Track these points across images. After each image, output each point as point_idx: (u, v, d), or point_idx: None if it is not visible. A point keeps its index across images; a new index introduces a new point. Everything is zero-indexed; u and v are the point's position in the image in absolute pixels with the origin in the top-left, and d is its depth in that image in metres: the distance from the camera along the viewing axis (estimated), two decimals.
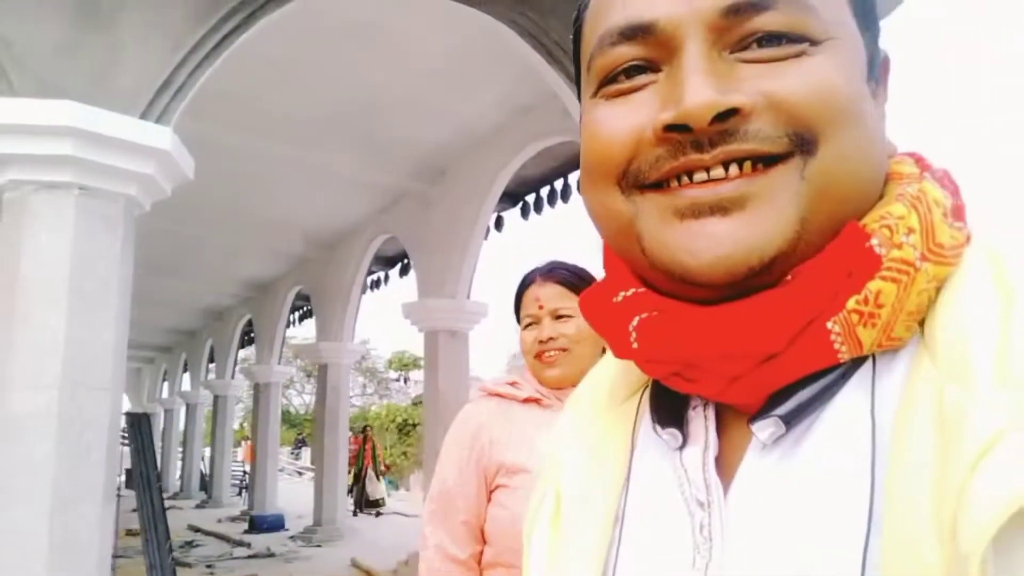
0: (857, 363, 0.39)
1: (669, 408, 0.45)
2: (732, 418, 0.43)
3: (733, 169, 0.38)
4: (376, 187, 6.84)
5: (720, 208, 0.38)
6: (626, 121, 0.41)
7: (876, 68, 0.44)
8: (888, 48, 0.46)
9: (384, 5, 3.97)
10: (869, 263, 0.38)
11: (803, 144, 0.38)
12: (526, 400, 1.43)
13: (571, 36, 0.49)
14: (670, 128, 0.39)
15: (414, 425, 25.37)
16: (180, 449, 16.34)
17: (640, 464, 0.48)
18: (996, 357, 0.33)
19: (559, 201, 6.44)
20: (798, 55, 0.39)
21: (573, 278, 1.46)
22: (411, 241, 6.94)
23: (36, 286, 2.52)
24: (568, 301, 1.43)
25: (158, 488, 5.05)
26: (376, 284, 9.29)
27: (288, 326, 10.92)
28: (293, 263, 9.50)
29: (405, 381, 26.90)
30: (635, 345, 0.43)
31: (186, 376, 16.02)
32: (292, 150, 5.87)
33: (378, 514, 12.76)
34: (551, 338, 1.41)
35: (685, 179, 0.39)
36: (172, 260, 9.03)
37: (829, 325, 0.38)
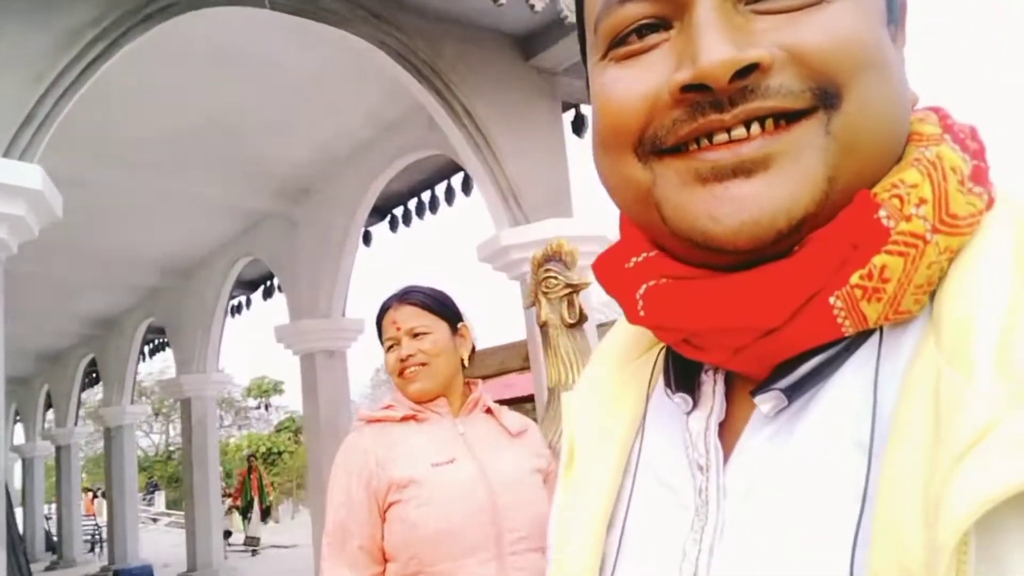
0: (864, 336, 0.38)
1: (682, 372, 0.45)
2: (742, 386, 0.42)
3: (755, 128, 0.37)
4: (237, 210, 6.62)
5: (743, 170, 0.37)
6: (639, 84, 0.39)
7: (895, 10, 0.41)
8: None
9: (246, 29, 3.93)
10: (876, 236, 0.36)
11: (827, 98, 0.36)
12: (403, 419, 1.56)
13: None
14: (687, 88, 0.37)
15: (279, 453, 24.32)
16: (19, 508, 14.71)
17: (653, 421, 0.48)
18: (998, 345, 0.31)
19: (427, 213, 6.56)
20: (816, 3, 0.37)
21: (426, 299, 1.61)
22: (277, 263, 6.78)
23: None
24: (423, 319, 1.58)
25: (23, 552, 4.61)
26: (237, 309, 8.94)
27: (139, 362, 10.20)
28: (143, 295, 8.92)
29: (266, 408, 25.73)
30: (642, 313, 0.42)
31: (18, 428, 14.44)
32: (145, 177, 5.57)
33: (254, 552, 12.18)
34: (410, 355, 1.55)
35: (705, 141, 0.38)
36: None
37: (832, 300, 0.37)
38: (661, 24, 0.39)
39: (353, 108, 5.15)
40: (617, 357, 0.54)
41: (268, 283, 8.45)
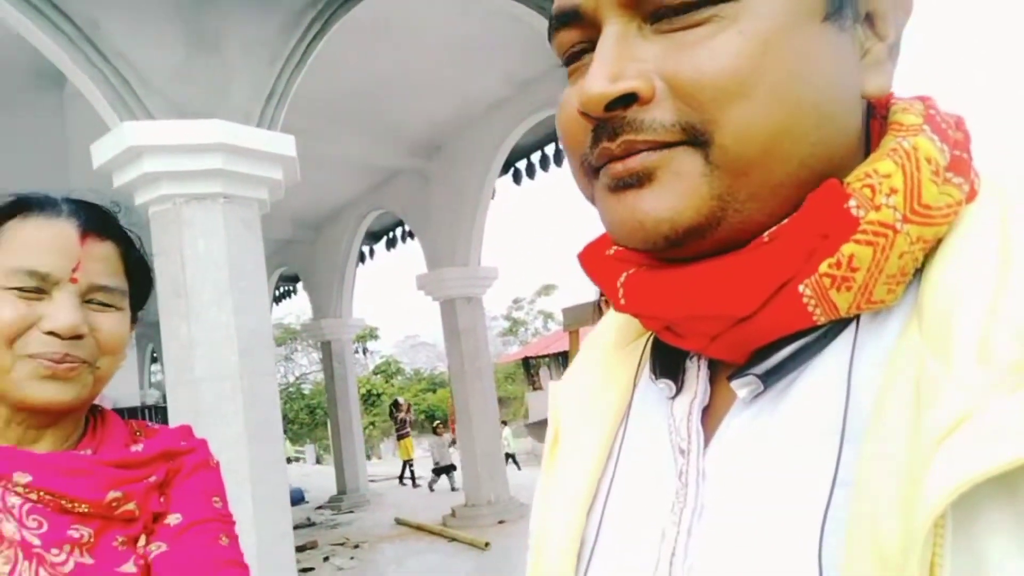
0: (842, 325, 0.39)
1: (667, 358, 0.46)
2: (725, 373, 0.43)
3: (634, 162, 0.38)
4: (371, 167, 7.08)
5: (634, 182, 0.39)
6: (570, 106, 0.42)
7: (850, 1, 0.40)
8: None
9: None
10: (845, 225, 0.37)
11: (695, 135, 0.37)
12: None
13: None
14: (582, 114, 0.40)
15: (377, 395, 25.65)
16: None
17: (639, 406, 0.49)
18: (980, 334, 0.32)
19: (551, 165, 6.85)
20: (709, 19, 0.37)
21: None
22: (412, 216, 7.25)
23: (204, 287, 2.82)
24: None
25: None
26: (361, 258, 9.54)
27: (271, 309, 11.04)
28: (277, 247, 9.62)
29: (364, 352, 27.03)
30: (623, 301, 0.44)
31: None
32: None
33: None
34: None
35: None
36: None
37: (801, 288, 0.38)
38: (592, 45, 0.41)
39: (494, 68, 5.44)
40: (606, 344, 0.55)
41: (391, 234, 8.99)
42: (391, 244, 9.09)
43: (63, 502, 0.77)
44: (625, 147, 0.38)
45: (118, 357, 0.85)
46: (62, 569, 0.74)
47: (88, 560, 0.75)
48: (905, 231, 0.37)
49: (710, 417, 0.43)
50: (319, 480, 12.36)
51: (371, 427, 23.55)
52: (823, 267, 0.37)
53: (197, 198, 2.87)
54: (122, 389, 4.99)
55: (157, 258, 2.90)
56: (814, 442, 0.37)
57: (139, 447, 0.86)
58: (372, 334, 27.71)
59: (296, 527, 8.04)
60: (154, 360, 15.27)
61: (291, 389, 26.08)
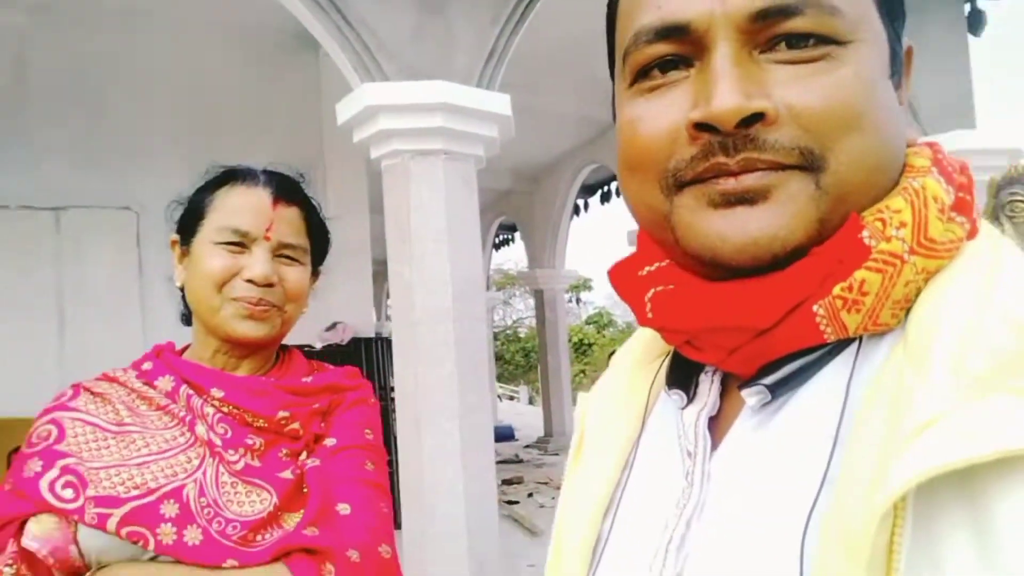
0: (844, 344, 0.42)
1: (682, 371, 0.49)
2: (734, 384, 0.46)
3: (747, 179, 0.41)
4: (586, 121, 7.10)
5: (748, 199, 0.41)
6: (663, 119, 0.43)
7: (899, 63, 0.45)
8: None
9: None
10: (858, 253, 0.40)
11: (812, 159, 0.40)
12: None
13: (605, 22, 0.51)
14: (699, 127, 0.41)
15: (589, 344, 26.16)
16: None
17: (654, 418, 0.53)
18: (955, 351, 0.35)
19: None
20: (823, 57, 0.40)
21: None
22: None
23: (424, 235, 3.07)
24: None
25: None
26: (576, 211, 9.68)
27: (491, 255, 11.66)
28: (496, 196, 10.09)
29: (578, 302, 27.61)
30: (650, 315, 0.47)
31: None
32: (513, 95, 6.24)
33: None
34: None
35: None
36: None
37: (815, 308, 0.41)
38: (682, 61, 0.43)
39: None
40: (631, 360, 0.58)
41: (606, 188, 9.00)
42: (605, 198, 9.12)
43: (246, 416, 0.94)
44: (744, 164, 0.40)
45: (300, 304, 1.00)
46: (234, 467, 0.90)
47: (256, 463, 0.92)
48: (912, 261, 0.40)
49: (719, 425, 0.47)
50: (529, 419, 13.02)
51: (581, 375, 24.15)
52: (836, 290, 0.40)
53: (421, 154, 3.10)
54: (361, 320, 5.59)
55: (387, 207, 3.21)
56: (809, 447, 0.40)
57: (310, 379, 1.03)
58: (586, 285, 28.12)
59: (504, 461, 8.68)
60: (388, 296, 16.92)
61: (508, 332, 27.42)
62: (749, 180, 0.41)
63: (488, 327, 11.83)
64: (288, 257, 0.98)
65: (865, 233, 0.40)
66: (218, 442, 0.91)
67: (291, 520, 0.89)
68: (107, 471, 0.86)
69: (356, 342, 5.35)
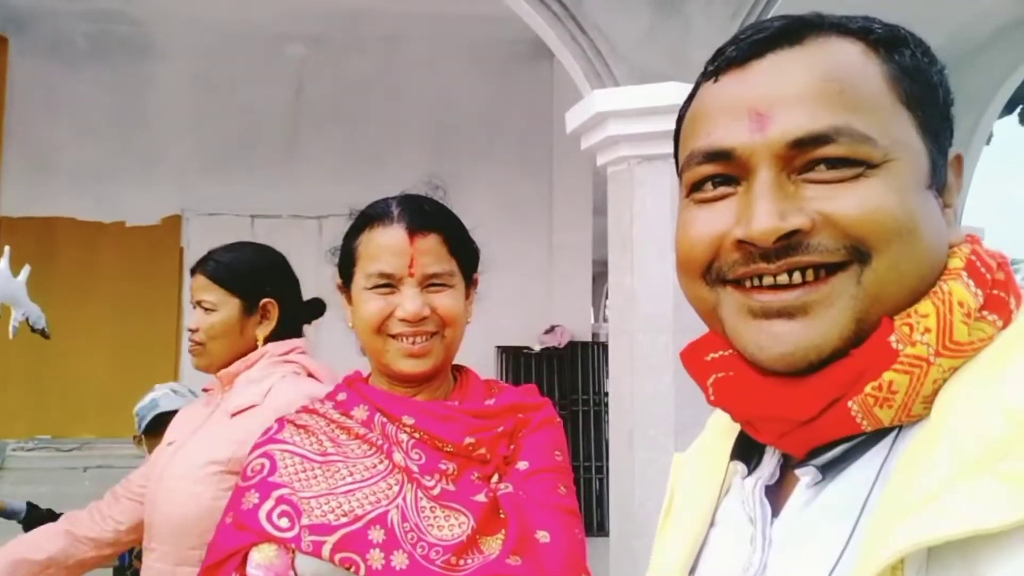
0: (887, 429, 0.46)
1: (749, 443, 0.55)
2: (793, 460, 0.51)
3: (796, 276, 0.46)
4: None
5: (786, 313, 0.46)
6: (709, 227, 0.50)
7: (941, 173, 0.49)
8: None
9: None
10: (886, 356, 0.44)
11: (860, 255, 0.45)
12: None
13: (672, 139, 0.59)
14: (742, 242, 0.47)
15: None
16: None
17: (734, 483, 0.57)
18: (957, 438, 0.40)
19: None
20: (856, 177, 0.45)
21: (218, 268, 1.52)
22: None
23: (647, 243, 2.99)
24: (211, 293, 1.53)
25: None
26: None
27: None
28: None
29: None
30: (712, 397, 0.53)
31: None
32: None
33: None
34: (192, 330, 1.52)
35: (757, 280, 0.48)
36: None
37: (850, 404, 0.45)
38: (732, 178, 0.49)
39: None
40: (721, 429, 0.62)
41: None
42: None
43: (436, 442, 0.95)
44: (787, 266, 0.46)
45: (459, 324, 1.03)
46: (432, 492, 0.92)
47: (451, 487, 0.93)
48: (938, 363, 0.44)
49: (782, 494, 0.52)
50: None
51: None
52: (868, 388, 0.45)
53: (648, 159, 3.02)
54: (579, 324, 5.64)
55: (611, 214, 3.17)
56: (841, 520, 0.45)
57: (492, 401, 1.03)
58: None
59: None
60: (606, 296, 17.01)
61: None
62: (790, 297, 0.46)
63: None
64: (436, 285, 1.00)
65: (893, 337, 0.44)
66: (415, 468, 0.93)
67: (489, 544, 0.89)
68: (317, 500, 0.91)
69: (573, 345, 5.40)
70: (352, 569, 0.86)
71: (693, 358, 0.55)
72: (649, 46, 3.09)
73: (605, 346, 5.95)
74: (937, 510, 0.37)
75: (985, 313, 0.45)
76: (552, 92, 5.59)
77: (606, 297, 17.37)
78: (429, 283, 1.00)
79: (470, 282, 1.09)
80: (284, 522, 0.89)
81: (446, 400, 1.03)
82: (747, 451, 0.55)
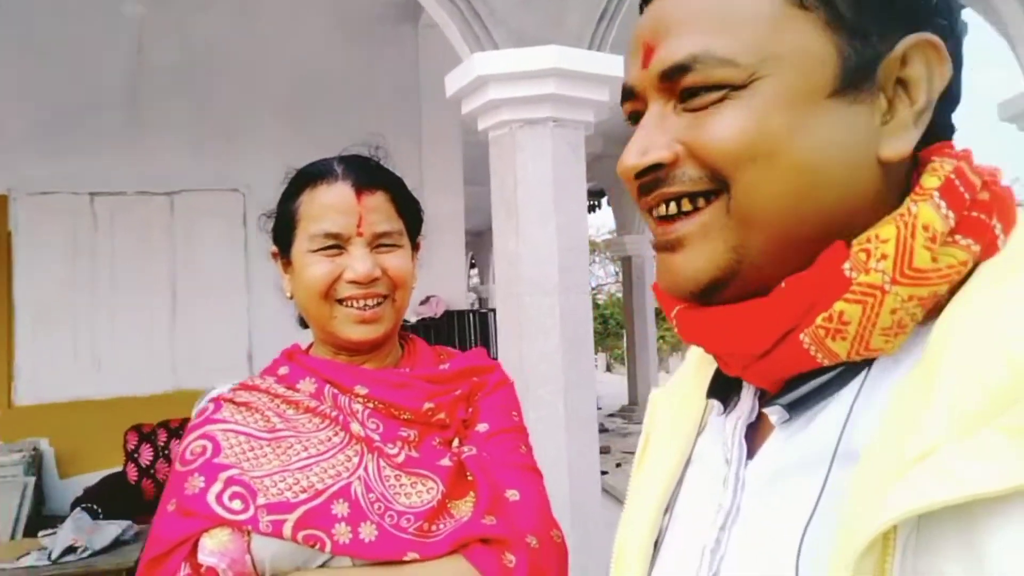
0: (861, 366, 0.44)
1: (726, 381, 0.53)
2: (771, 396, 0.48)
3: (672, 207, 0.46)
4: None
5: (670, 246, 0.47)
6: (624, 161, 0.49)
7: (869, 71, 0.43)
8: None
9: None
10: (838, 285, 0.42)
11: (721, 182, 0.44)
12: None
13: None
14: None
15: None
16: None
17: (711, 421, 0.56)
18: (954, 384, 0.36)
19: None
20: (721, 100, 0.44)
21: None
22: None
23: (530, 208, 3.03)
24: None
25: None
26: None
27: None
28: (587, 161, 9.92)
29: None
30: (676, 329, 0.51)
31: (473, 272, 17.69)
32: None
33: None
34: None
35: (656, 212, 0.49)
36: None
37: (802, 336, 0.43)
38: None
39: None
40: (697, 360, 0.61)
41: None
42: None
43: (392, 410, 0.93)
44: (660, 197, 0.47)
45: (408, 286, 0.98)
46: (396, 459, 0.89)
47: (415, 454, 0.91)
48: (894, 291, 0.41)
49: (760, 435, 0.49)
50: (609, 388, 12.96)
51: (661, 340, 23.84)
52: (818, 320, 0.43)
53: (530, 123, 3.04)
54: (455, 294, 5.64)
55: (493, 179, 3.18)
56: (813, 466, 0.43)
57: (446, 365, 1.02)
58: None
59: None
60: (472, 266, 17.08)
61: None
62: (671, 231, 0.47)
63: None
64: (385, 245, 0.95)
65: (847, 265, 0.42)
66: (375, 437, 0.90)
67: (459, 508, 0.88)
68: (271, 478, 0.85)
69: (449, 315, 5.41)
70: (317, 546, 0.82)
71: (660, 290, 0.54)
72: (527, 9, 3.10)
73: (482, 315, 6.01)
74: (935, 470, 0.33)
75: (958, 237, 0.41)
76: (418, 58, 5.47)
77: (471, 267, 17.46)
78: (378, 243, 0.95)
79: (416, 246, 1.05)
80: (237, 504, 0.83)
81: (396, 368, 1.00)
82: (724, 388, 0.53)
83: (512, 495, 0.90)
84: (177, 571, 0.82)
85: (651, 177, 0.46)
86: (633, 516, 0.58)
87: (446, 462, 0.91)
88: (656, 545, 0.55)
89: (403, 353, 1.04)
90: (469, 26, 3.04)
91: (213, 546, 0.83)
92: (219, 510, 0.84)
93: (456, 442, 0.95)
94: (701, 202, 0.46)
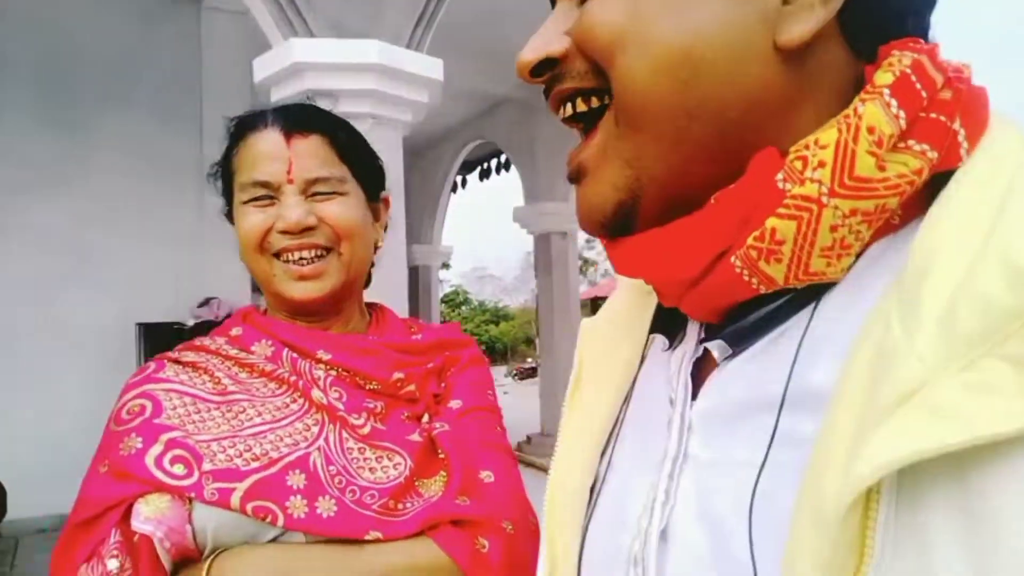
0: (811, 295, 0.38)
1: (669, 313, 0.47)
2: (717, 330, 0.43)
3: (568, 107, 0.43)
4: (476, 94, 7.03)
5: (576, 178, 0.43)
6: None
7: None
8: None
9: None
10: (771, 198, 0.37)
11: (603, 77, 0.40)
12: None
13: None
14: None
15: (442, 323, 26.23)
16: None
17: (651, 355, 0.51)
18: (945, 303, 0.30)
19: None
20: None
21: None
22: (513, 146, 7.23)
23: None
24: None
25: None
26: (453, 188, 9.61)
27: None
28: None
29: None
30: (608, 262, 0.48)
31: None
32: None
33: None
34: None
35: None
36: None
37: (733, 259, 0.38)
38: None
39: None
40: (634, 290, 0.55)
41: (485, 165, 9.01)
42: (485, 175, 9.12)
43: (357, 379, 0.86)
44: (557, 95, 0.43)
45: (359, 239, 0.87)
46: (361, 431, 0.82)
47: (381, 427, 0.85)
48: (833, 205, 0.36)
49: (705, 372, 0.44)
50: (517, 411, 12.47)
51: None
52: (750, 239, 0.37)
53: (349, 117, 2.93)
54: (241, 296, 5.27)
55: None
56: (761, 409, 0.38)
57: (419, 336, 0.96)
58: (444, 264, 28.06)
59: None
60: None
61: None
62: (574, 162, 0.43)
63: None
64: (323, 192, 0.86)
65: (780, 175, 0.37)
66: (340, 406, 0.83)
67: (428, 487, 0.82)
68: (219, 443, 0.76)
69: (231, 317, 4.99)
70: (268, 519, 0.73)
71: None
72: (345, 0, 2.99)
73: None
74: (928, 408, 0.28)
75: (911, 143, 0.36)
76: (200, 43, 5.02)
77: None
78: (313, 191, 0.86)
79: (376, 199, 0.95)
80: (179, 468, 0.73)
81: (364, 335, 0.92)
82: (670, 321, 0.47)
83: (487, 476, 0.85)
84: (107, 538, 0.72)
85: (548, 76, 0.43)
86: (566, 459, 0.53)
87: (416, 437, 0.85)
88: (592, 491, 0.49)
89: (371, 320, 0.97)
90: (282, 11, 2.87)
91: (149, 512, 0.71)
92: (158, 474, 0.72)
93: (426, 417, 0.89)
94: (595, 101, 0.42)
